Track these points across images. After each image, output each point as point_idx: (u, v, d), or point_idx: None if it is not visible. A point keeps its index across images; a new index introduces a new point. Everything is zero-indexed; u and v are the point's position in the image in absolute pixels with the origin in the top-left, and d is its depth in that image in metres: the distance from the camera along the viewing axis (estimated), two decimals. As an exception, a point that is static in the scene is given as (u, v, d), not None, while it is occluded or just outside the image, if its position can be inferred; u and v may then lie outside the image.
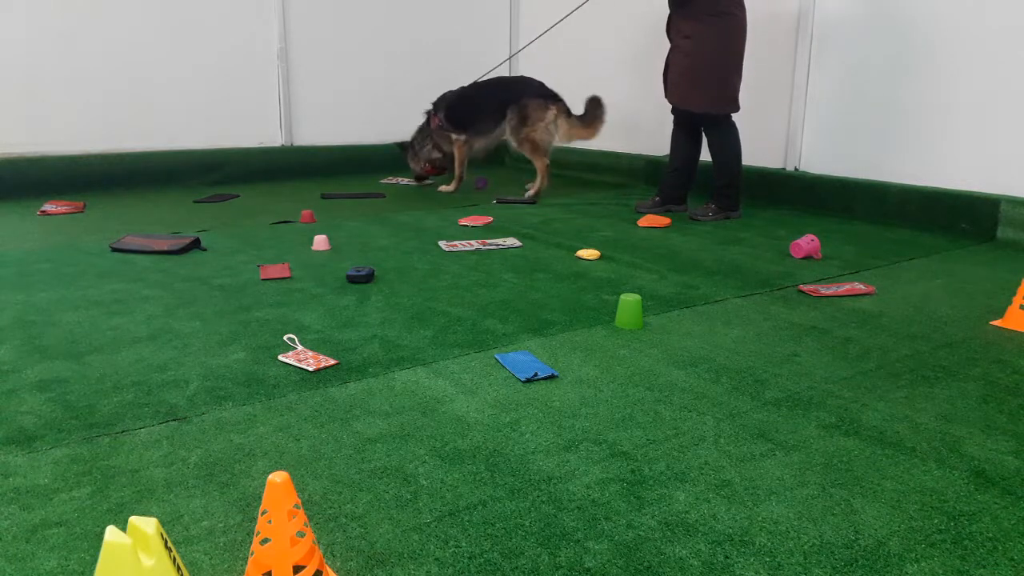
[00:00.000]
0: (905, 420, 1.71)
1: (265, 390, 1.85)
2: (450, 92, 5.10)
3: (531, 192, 4.82)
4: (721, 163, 4.09)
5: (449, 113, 5.01)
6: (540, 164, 4.79)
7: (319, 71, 5.73)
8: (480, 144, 5.12)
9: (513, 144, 4.91)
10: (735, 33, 3.91)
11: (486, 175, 5.69)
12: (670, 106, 4.21)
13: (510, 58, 6.34)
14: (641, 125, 5.48)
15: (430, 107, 5.13)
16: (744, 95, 4.86)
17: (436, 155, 5.24)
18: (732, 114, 4.06)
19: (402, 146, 5.38)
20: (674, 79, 4.03)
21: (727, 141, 4.07)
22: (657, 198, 4.33)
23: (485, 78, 5.12)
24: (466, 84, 5.09)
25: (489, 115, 4.97)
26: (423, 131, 5.22)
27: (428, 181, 5.42)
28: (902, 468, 1.50)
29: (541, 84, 4.87)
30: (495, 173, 6.13)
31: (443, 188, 5.15)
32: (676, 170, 4.27)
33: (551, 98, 4.78)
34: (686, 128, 4.19)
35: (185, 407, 1.75)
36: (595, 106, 4.73)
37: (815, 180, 4.39)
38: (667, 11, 4.07)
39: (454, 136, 5.06)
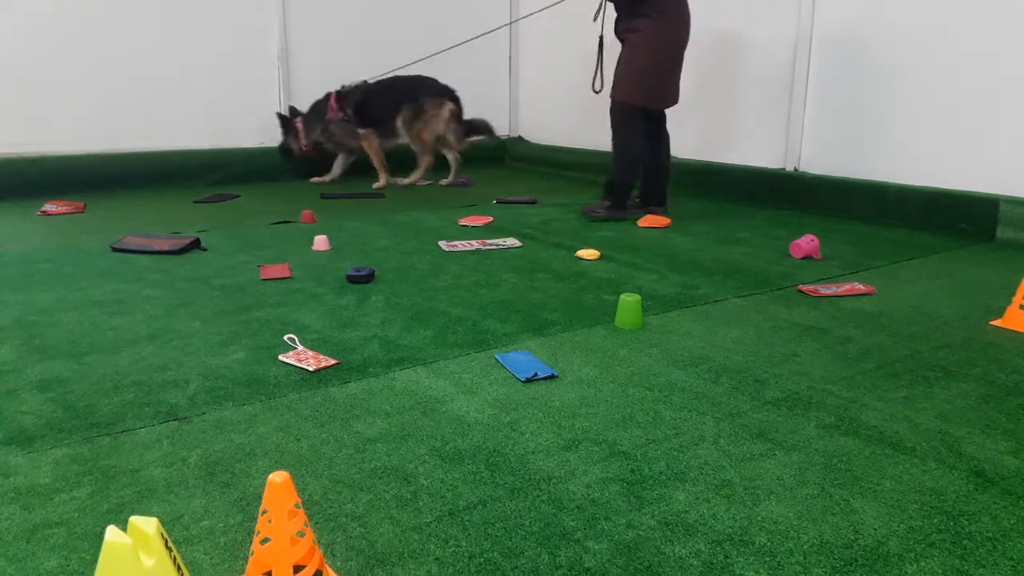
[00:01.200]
0: (905, 420, 1.71)
1: (265, 390, 1.85)
2: (355, 86, 5.14)
3: (411, 180, 5.27)
4: (617, 159, 4.07)
5: (357, 108, 5.06)
6: (426, 160, 5.29)
7: (319, 71, 5.73)
8: (382, 140, 5.26)
9: (405, 138, 5.22)
10: (678, 30, 3.94)
11: (485, 176, 5.69)
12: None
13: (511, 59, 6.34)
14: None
15: (331, 93, 5.13)
16: (744, 95, 4.86)
17: (320, 140, 5.22)
18: (665, 110, 4.08)
19: (284, 117, 5.26)
20: (615, 72, 4.02)
21: (628, 138, 4.03)
22: (637, 199, 4.27)
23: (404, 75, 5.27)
24: (368, 80, 5.17)
25: (389, 113, 5.15)
26: (317, 112, 5.16)
27: (323, 179, 5.35)
28: (902, 468, 1.50)
29: (438, 82, 5.17)
30: (495, 173, 6.14)
31: (377, 184, 5.18)
32: (649, 169, 4.20)
33: (448, 96, 5.17)
34: (649, 126, 4.13)
35: (185, 407, 1.75)
36: (480, 127, 5.31)
37: (815, 180, 4.39)
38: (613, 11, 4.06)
39: (361, 130, 5.11)
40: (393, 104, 5.17)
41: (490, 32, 5.04)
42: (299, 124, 5.17)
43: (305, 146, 5.20)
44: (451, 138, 5.34)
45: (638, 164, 4.10)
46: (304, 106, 5.31)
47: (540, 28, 6.16)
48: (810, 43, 4.39)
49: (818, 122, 4.45)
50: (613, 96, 4.02)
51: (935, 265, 3.17)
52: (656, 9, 3.85)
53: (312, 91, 5.73)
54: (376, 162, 5.20)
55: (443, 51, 5.01)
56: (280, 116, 5.28)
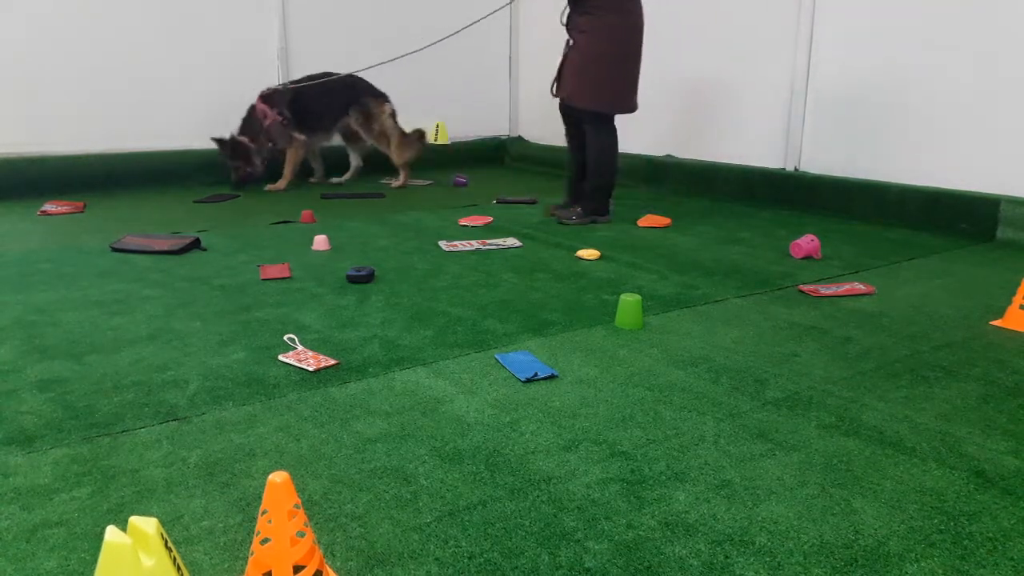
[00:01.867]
0: (905, 420, 1.71)
1: (265, 390, 1.85)
2: (283, 88, 4.94)
3: (399, 182, 5.28)
4: (595, 164, 3.97)
5: (293, 111, 4.87)
6: (353, 155, 5.37)
7: (319, 71, 5.73)
8: (317, 144, 5.21)
9: (368, 140, 5.22)
10: (629, 31, 3.83)
11: (485, 176, 5.69)
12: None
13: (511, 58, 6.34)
14: (641, 125, 5.48)
15: (259, 101, 4.87)
16: (744, 95, 4.87)
17: (265, 153, 4.96)
18: (618, 115, 3.96)
19: (223, 142, 4.83)
20: (568, 74, 3.91)
21: (604, 143, 3.95)
22: (569, 200, 4.20)
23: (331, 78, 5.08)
24: (296, 81, 5.00)
25: (331, 114, 5.07)
26: (255, 126, 4.83)
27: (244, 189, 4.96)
28: (902, 468, 1.50)
29: (370, 83, 5.18)
30: (495, 173, 6.14)
31: (273, 187, 4.96)
32: (578, 171, 4.12)
33: (383, 97, 5.20)
34: (579, 127, 4.05)
35: (185, 407, 1.75)
36: (416, 137, 5.32)
37: (815, 180, 4.39)
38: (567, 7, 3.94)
39: (296, 135, 4.94)
40: (340, 106, 5.09)
41: (483, 18, 4.90)
42: (248, 143, 4.85)
43: (263, 163, 4.95)
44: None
45: (616, 166, 4.01)
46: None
47: (540, 28, 6.16)
48: (810, 43, 4.39)
49: (818, 122, 4.45)
50: (572, 101, 3.91)
51: (935, 265, 3.17)
52: (601, 7, 3.75)
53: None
54: (291, 168, 4.99)
55: (438, 42, 4.88)
56: (221, 142, 4.84)
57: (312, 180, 5.39)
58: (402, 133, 5.30)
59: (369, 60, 5.95)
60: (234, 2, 5.30)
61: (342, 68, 5.83)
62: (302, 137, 4.97)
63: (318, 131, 5.11)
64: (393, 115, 5.25)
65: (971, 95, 3.77)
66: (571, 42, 3.91)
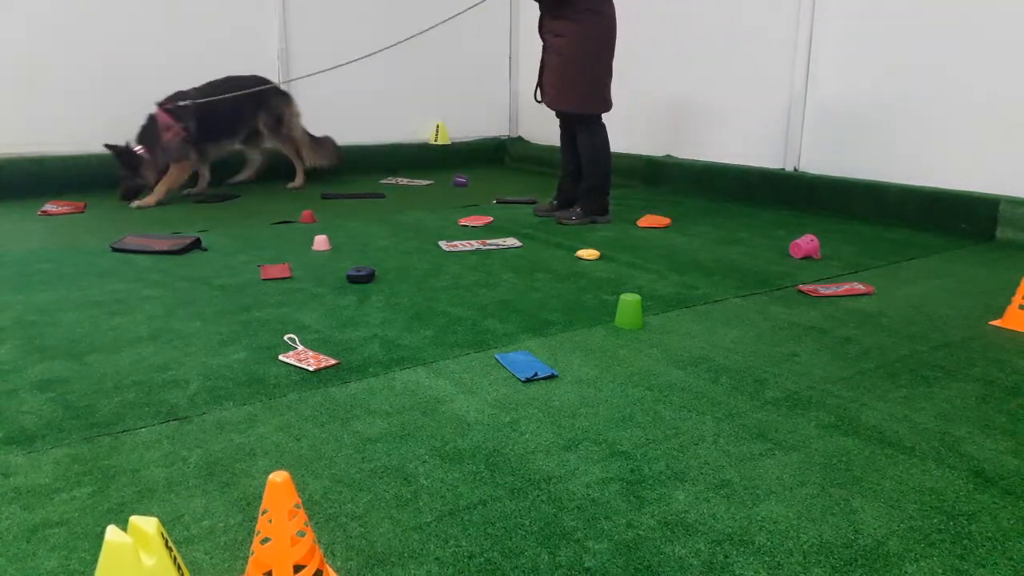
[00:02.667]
0: (904, 420, 1.71)
1: (265, 390, 1.85)
2: (189, 94, 4.58)
3: (296, 183, 5.10)
4: (590, 165, 3.97)
5: (201, 119, 4.55)
6: (253, 154, 5.14)
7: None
8: (222, 151, 4.89)
9: (275, 144, 5.04)
10: (606, 31, 3.84)
11: (485, 176, 5.69)
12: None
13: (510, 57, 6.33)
14: (641, 125, 5.48)
15: (161, 111, 4.48)
16: (744, 95, 4.87)
17: (162, 164, 4.55)
18: (603, 114, 3.96)
19: (120, 151, 4.42)
20: (549, 80, 3.92)
21: (596, 142, 3.96)
22: (555, 201, 4.22)
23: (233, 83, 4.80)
24: (198, 86, 4.65)
25: (242, 119, 4.83)
26: (153, 135, 4.46)
27: (141, 201, 4.48)
28: (901, 468, 1.50)
29: (271, 82, 4.96)
30: (495, 173, 6.14)
31: (140, 203, 4.42)
32: (571, 173, 4.14)
33: (290, 98, 5.06)
34: (572, 130, 4.06)
35: (185, 407, 1.75)
36: (331, 147, 5.27)
37: (815, 180, 4.40)
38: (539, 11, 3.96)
39: (191, 156, 4.58)
40: (250, 110, 4.83)
41: (475, 6, 4.79)
42: (147, 154, 4.44)
43: (158, 175, 4.52)
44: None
45: (610, 164, 4.02)
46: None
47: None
48: (810, 42, 4.39)
49: (818, 122, 4.45)
50: (558, 106, 3.93)
51: (935, 265, 3.17)
52: (578, 10, 3.74)
53: (312, 91, 5.74)
54: (166, 187, 4.49)
55: (431, 28, 4.81)
56: (116, 149, 4.43)
57: (191, 192, 4.79)
58: (312, 137, 5.20)
59: (369, 59, 5.96)
60: (234, 2, 5.30)
61: (342, 68, 5.83)
62: (195, 157, 4.61)
63: (224, 139, 4.81)
64: (299, 116, 5.11)
65: (971, 95, 3.77)
66: (547, 46, 3.92)
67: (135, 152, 4.43)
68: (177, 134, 4.46)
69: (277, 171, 5.61)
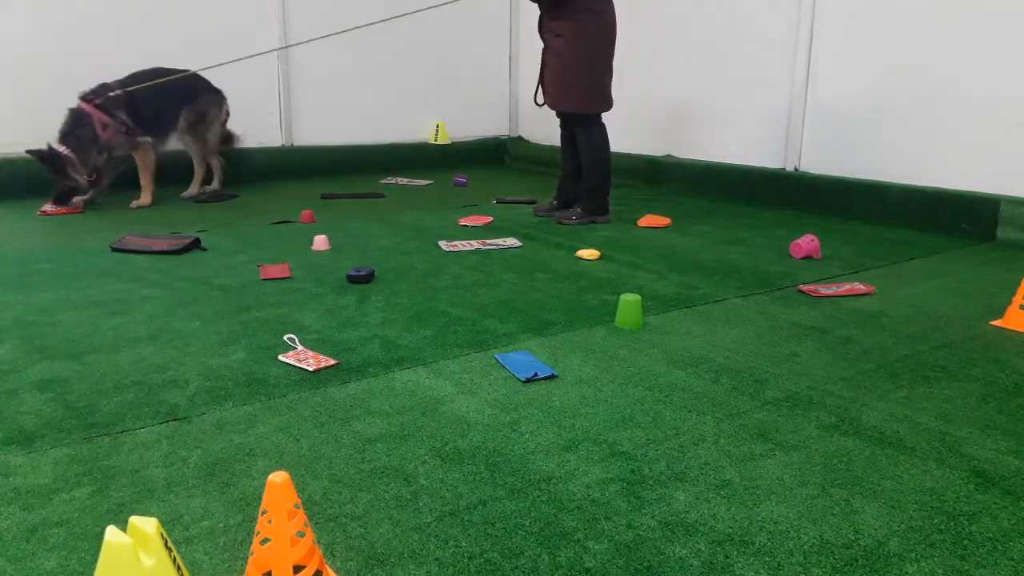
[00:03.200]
0: (905, 420, 1.71)
1: (265, 390, 1.85)
2: (113, 87, 4.32)
3: (191, 192, 4.79)
4: (590, 165, 3.97)
5: (132, 112, 4.31)
6: (213, 161, 4.93)
7: (319, 71, 5.73)
8: (159, 147, 4.58)
9: (185, 139, 4.72)
10: (605, 30, 3.83)
11: (485, 176, 5.69)
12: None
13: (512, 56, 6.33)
14: (641, 125, 5.48)
15: (90, 106, 4.23)
16: (744, 95, 4.87)
17: (98, 162, 4.30)
18: (603, 113, 3.96)
19: (43, 155, 4.13)
20: (549, 80, 3.92)
21: (596, 142, 3.96)
22: (555, 201, 4.22)
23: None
24: (122, 78, 4.40)
25: (170, 116, 4.57)
26: (82, 135, 4.18)
27: (84, 197, 4.30)
28: (902, 468, 1.50)
29: (207, 80, 4.75)
30: (495, 173, 6.14)
31: (138, 203, 4.36)
32: (571, 173, 4.14)
33: (223, 95, 4.84)
34: (572, 130, 4.06)
35: (185, 407, 1.75)
36: (231, 135, 5.05)
37: (815, 180, 4.39)
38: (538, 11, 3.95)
39: (141, 139, 4.36)
40: (176, 105, 4.57)
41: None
42: (71, 154, 4.16)
43: (90, 176, 4.26)
44: (215, 142, 4.90)
45: (610, 164, 4.01)
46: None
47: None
48: (810, 42, 4.39)
49: (818, 122, 4.45)
50: (559, 107, 3.92)
51: (935, 265, 3.17)
52: (577, 10, 3.74)
53: (312, 91, 5.74)
54: (148, 176, 4.40)
55: (426, 8, 4.76)
56: (39, 153, 4.15)
57: (135, 205, 4.42)
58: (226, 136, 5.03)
59: (369, 59, 5.97)
60: (234, 3, 5.30)
61: (342, 68, 5.84)
62: (148, 138, 4.39)
63: (154, 131, 4.53)
64: (228, 116, 4.89)
65: (972, 95, 3.77)
66: (546, 47, 3.92)
67: (59, 154, 4.14)
68: (116, 130, 4.25)
69: (276, 173, 5.62)
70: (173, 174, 5.12)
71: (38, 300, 2.55)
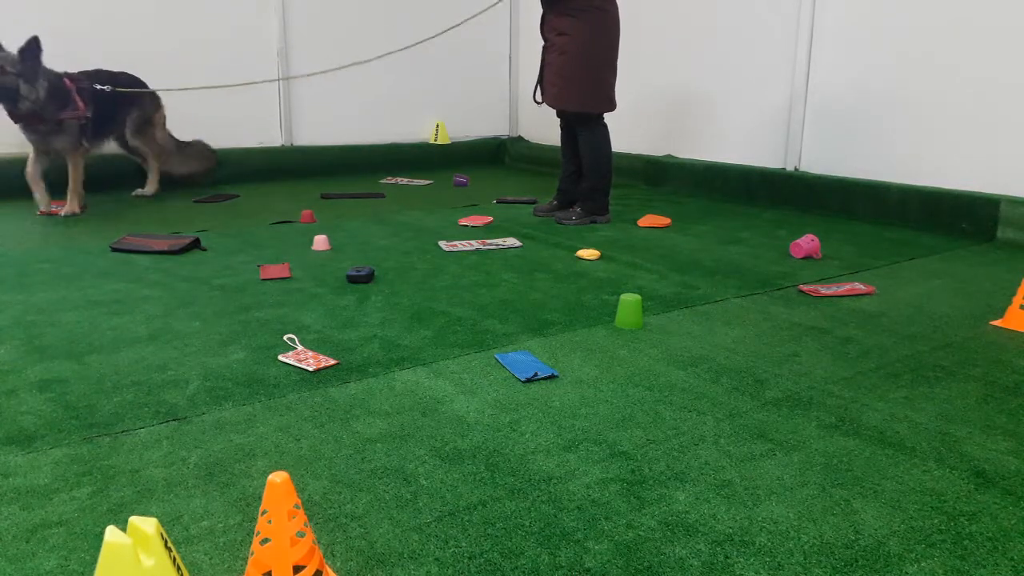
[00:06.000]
0: (905, 420, 1.71)
1: (265, 390, 1.85)
2: (74, 80, 4.15)
3: (147, 191, 4.74)
4: (591, 165, 3.96)
5: (96, 110, 4.22)
6: (158, 164, 4.82)
7: (319, 70, 5.73)
8: (92, 152, 4.38)
9: (135, 143, 4.67)
10: (609, 28, 3.81)
11: (485, 176, 5.69)
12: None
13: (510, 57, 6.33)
14: (641, 125, 5.48)
15: (72, 82, 4.11)
16: (744, 95, 4.87)
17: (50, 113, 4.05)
18: (605, 113, 3.95)
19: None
20: (550, 78, 3.89)
21: (597, 142, 3.95)
22: (555, 201, 4.22)
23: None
24: (88, 71, 4.31)
25: (119, 117, 4.50)
26: (54, 87, 4.01)
27: (80, 200, 4.17)
28: (902, 468, 1.50)
29: (143, 81, 4.68)
30: (495, 173, 6.14)
31: (67, 210, 4.11)
32: (571, 173, 4.14)
33: (159, 99, 4.76)
34: (573, 129, 4.05)
35: (185, 407, 1.75)
36: (207, 152, 5.00)
37: (815, 180, 4.39)
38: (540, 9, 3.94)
39: (84, 144, 4.18)
40: (124, 106, 4.51)
41: (480, 14, 4.77)
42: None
43: (40, 109, 3.95)
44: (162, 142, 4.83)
45: (611, 164, 4.01)
46: None
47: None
48: (810, 42, 4.39)
49: (818, 122, 4.45)
50: (560, 106, 3.91)
51: (935, 265, 3.17)
52: (582, 7, 3.73)
53: (312, 91, 5.74)
54: (79, 183, 4.15)
55: (434, 36, 4.79)
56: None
57: (55, 211, 4.15)
58: (179, 143, 4.95)
59: (369, 59, 5.96)
60: (234, 2, 5.30)
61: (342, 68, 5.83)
62: (87, 146, 4.20)
63: (102, 138, 4.44)
64: (164, 123, 4.81)
65: (972, 95, 3.77)
66: (549, 45, 3.90)
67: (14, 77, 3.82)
68: (80, 116, 4.06)
69: (276, 173, 5.62)
70: (169, 173, 5.13)
71: (38, 300, 2.55)
